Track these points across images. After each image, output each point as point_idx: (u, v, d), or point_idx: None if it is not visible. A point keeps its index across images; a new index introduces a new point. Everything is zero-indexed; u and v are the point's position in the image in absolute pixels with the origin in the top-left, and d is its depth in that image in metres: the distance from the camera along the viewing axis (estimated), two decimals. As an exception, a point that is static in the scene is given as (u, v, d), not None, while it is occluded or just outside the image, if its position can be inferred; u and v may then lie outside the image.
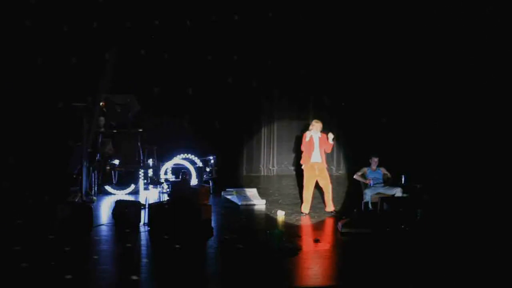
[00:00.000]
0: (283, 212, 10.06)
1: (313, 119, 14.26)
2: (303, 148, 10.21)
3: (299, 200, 11.31)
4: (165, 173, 12.11)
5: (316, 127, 10.19)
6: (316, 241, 8.17)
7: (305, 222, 9.55)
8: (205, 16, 13.25)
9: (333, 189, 12.66)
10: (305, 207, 10.15)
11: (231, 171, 13.84)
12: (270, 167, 14.29)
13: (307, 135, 10.19)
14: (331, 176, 14.32)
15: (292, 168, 14.18)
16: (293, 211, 10.26)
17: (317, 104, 14.30)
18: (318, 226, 9.32)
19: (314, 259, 7.44)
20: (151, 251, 7.82)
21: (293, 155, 14.16)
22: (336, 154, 14.64)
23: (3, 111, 12.07)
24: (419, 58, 12.86)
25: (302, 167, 10.31)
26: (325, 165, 10.28)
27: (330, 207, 10.18)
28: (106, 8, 12.76)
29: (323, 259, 7.44)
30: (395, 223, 8.84)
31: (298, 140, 14.02)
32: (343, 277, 6.84)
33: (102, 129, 11.64)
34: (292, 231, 8.85)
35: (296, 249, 7.69)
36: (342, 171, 14.48)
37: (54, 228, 8.30)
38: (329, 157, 14.65)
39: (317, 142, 10.14)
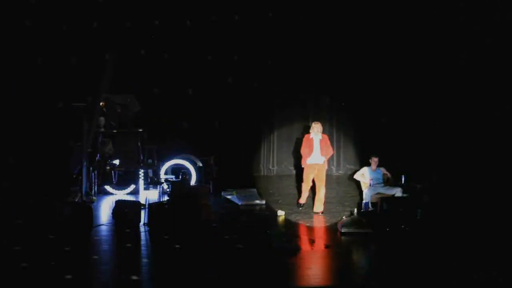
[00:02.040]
0: (283, 212, 10.07)
1: (313, 119, 14.36)
2: (303, 150, 10.18)
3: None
4: (165, 173, 12.11)
5: (316, 129, 10.17)
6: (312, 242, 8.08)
7: (305, 222, 9.54)
8: (205, 16, 13.25)
9: (332, 189, 12.73)
10: (302, 198, 10.40)
11: (231, 171, 13.84)
12: (270, 167, 14.29)
13: (308, 137, 10.18)
14: (330, 176, 14.44)
15: (292, 168, 14.18)
16: (293, 211, 10.25)
17: (317, 104, 14.31)
18: (317, 226, 9.31)
19: (314, 259, 7.44)
20: (151, 251, 7.82)
21: (292, 155, 14.17)
22: (336, 154, 14.64)
23: (3, 111, 12.07)
24: (419, 58, 12.86)
25: (303, 166, 10.33)
26: (325, 167, 10.31)
27: (318, 207, 10.12)
28: (106, 8, 12.75)
29: (322, 259, 7.44)
30: (395, 223, 8.84)
31: (298, 142, 14.04)
32: (343, 277, 6.84)
33: (102, 129, 11.64)
34: (291, 231, 8.86)
35: (295, 249, 7.68)
36: (342, 171, 14.49)
37: (54, 228, 8.29)
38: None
39: (317, 144, 10.15)
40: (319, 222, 9.56)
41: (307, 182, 10.31)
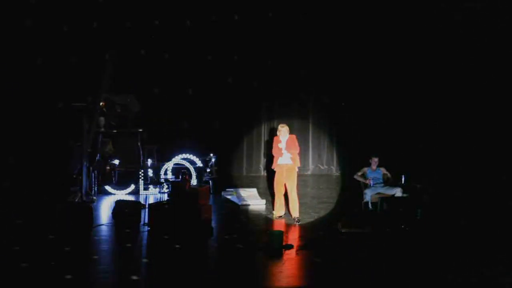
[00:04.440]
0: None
1: (313, 119, 14.42)
2: (273, 153, 9.87)
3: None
4: (165, 173, 12.11)
5: (282, 132, 9.75)
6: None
7: (304, 222, 9.53)
8: (205, 16, 13.27)
9: (332, 189, 12.74)
10: (279, 208, 9.78)
11: (231, 171, 13.86)
12: (270, 167, 14.29)
13: (276, 139, 9.87)
14: (329, 176, 14.47)
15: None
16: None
17: (317, 104, 14.33)
18: (317, 226, 9.30)
19: (314, 258, 7.43)
20: (151, 251, 7.82)
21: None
22: (336, 154, 14.68)
23: (3, 111, 12.08)
24: (419, 58, 12.87)
25: (273, 167, 9.94)
26: (295, 168, 9.76)
27: (294, 213, 9.64)
28: (106, 8, 12.77)
29: (322, 259, 7.43)
30: (395, 223, 8.84)
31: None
32: (342, 277, 6.84)
33: (102, 129, 11.64)
34: (290, 231, 8.87)
35: (292, 249, 7.72)
36: (342, 171, 14.49)
37: (54, 228, 8.29)
38: (329, 157, 14.75)
39: (284, 144, 9.69)
40: (318, 222, 9.55)
41: (278, 189, 9.74)
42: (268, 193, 11.87)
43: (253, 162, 14.31)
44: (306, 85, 14.04)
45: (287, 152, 9.69)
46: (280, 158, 9.74)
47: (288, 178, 9.69)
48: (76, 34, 12.65)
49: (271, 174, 11.26)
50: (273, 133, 14.18)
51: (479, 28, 12.21)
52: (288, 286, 6.50)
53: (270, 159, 10.44)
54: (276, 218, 9.76)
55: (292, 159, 9.68)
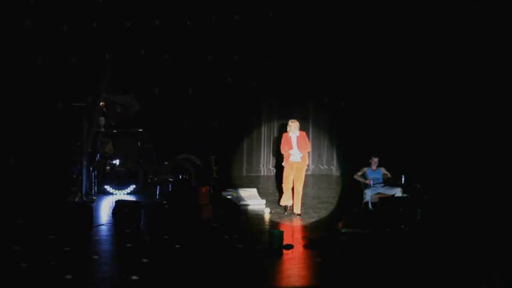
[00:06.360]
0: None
1: (313, 119, 14.40)
2: (283, 148, 9.89)
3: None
4: (166, 173, 12.09)
5: (293, 127, 9.87)
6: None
7: (304, 222, 9.53)
8: (205, 16, 13.27)
9: (332, 189, 12.75)
10: (286, 199, 10.00)
11: (231, 171, 13.85)
12: (270, 167, 14.30)
13: (286, 135, 9.95)
14: (330, 176, 14.47)
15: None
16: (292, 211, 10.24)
17: (317, 104, 14.33)
18: (316, 226, 9.30)
19: (314, 258, 7.44)
20: (151, 251, 7.81)
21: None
22: (336, 154, 14.67)
23: (3, 111, 12.07)
24: (419, 58, 12.87)
25: (283, 164, 10.05)
26: (304, 166, 9.92)
27: (297, 209, 9.85)
28: (106, 8, 12.76)
29: (322, 259, 7.43)
30: (395, 223, 8.84)
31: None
32: (342, 277, 6.84)
33: (102, 129, 11.64)
34: (291, 231, 8.87)
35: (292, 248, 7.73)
36: (342, 171, 14.49)
37: (54, 228, 8.30)
38: (329, 157, 14.75)
39: (294, 142, 9.82)
40: (318, 222, 9.55)
41: (287, 183, 9.90)
42: (268, 193, 11.87)
43: (253, 162, 14.31)
44: (306, 85, 14.03)
45: (298, 150, 9.80)
46: (290, 156, 9.83)
47: (297, 176, 9.86)
48: (76, 34, 12.64)
49: (278, 173, 11.31)
50: (275, 130, 14.20)
51: (480, 29, 12.20)
52: (288, 286, 6.51)
53: (279, 156, 10.45)
54: (284, 210, 9.96)
55: (301, 157, 9.82)
